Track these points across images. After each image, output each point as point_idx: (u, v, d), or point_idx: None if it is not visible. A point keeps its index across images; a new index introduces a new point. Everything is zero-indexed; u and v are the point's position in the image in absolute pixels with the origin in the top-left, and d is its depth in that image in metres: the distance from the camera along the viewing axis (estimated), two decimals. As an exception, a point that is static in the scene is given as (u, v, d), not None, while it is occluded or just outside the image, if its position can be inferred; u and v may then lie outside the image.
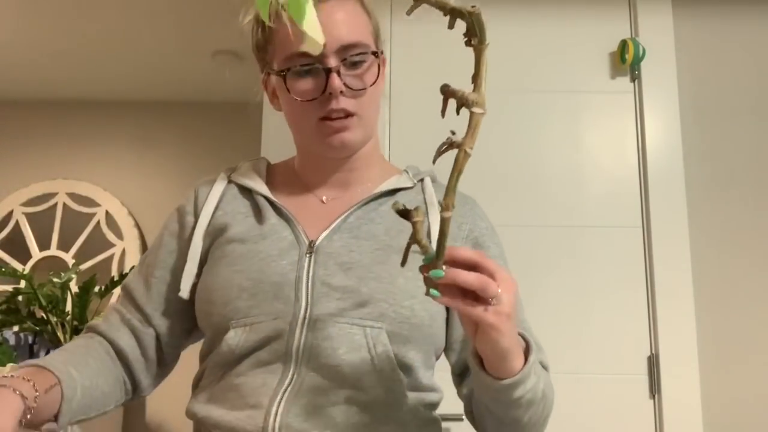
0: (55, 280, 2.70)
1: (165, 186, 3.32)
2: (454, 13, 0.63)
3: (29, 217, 3.29)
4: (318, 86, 0.87)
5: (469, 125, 0.66)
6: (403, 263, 0.69)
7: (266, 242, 0.90)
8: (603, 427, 1.68)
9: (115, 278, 2.77)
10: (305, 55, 0.85)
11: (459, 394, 0.96)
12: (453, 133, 0.68)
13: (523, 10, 1.92)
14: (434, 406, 0.93)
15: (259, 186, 0.96)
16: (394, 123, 1.81)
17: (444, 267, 0.66)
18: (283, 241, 0.90)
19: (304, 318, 0.84)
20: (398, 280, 0.86)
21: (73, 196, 3.32)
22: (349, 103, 0.88)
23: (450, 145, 0.66)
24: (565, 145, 1.83)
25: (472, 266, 0.67)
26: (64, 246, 3.26)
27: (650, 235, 1.76)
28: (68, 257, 3.23)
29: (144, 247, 3.27)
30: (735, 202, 1.79)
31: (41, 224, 3.28)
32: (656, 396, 1.69)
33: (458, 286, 0.66)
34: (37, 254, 3.26)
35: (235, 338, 0.84)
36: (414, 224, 0.67)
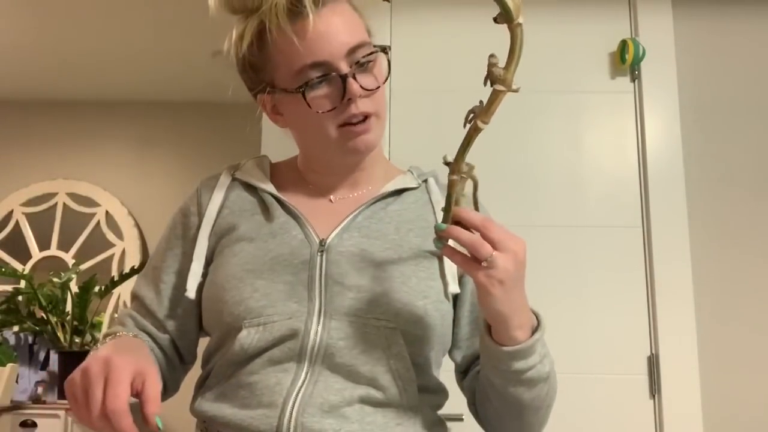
0: (55, 280, 2.71)
1: (165, 186, 3.32)
2: None
3: (29, 217, 3.30)
4: (335, 94, 0.86)
5: (488, 100, 0.68)
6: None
7: (276, 241, 0.89)
8: (603, 427, 1.68)
9: (115, 278, 2.77)
10: (316, 66, 0.84)
11: (461, 388, 0.96)
12: (481, 102, 0.73)
13: (523, 10, 1.91)
14: (440, 407, 0.93)
15: (265, 184, 0.95)
16: (394, 123, 1.81)
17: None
18: (294, 239, 0.89)
19: (319, 317, 0.83)
20: (411, 280, 0.86)
21: (73, 196, 3.32)
22: (366, 104, 0.87)
23: (472, 114, 0.72)
24: (565, 145, 1.83)
25: (475, 228, 0.74)
26: (64, 246, 3.26)
27: (650, 235, 1.76)
28: (68, 257, 3.23)
29: (144, 247, 3.27)
30: (735, 202, 1.79)
31: (41, 224, 3.28)
32: (656, 396, 1.69)
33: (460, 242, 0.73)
34: (37, 254, 3.26)
35: (248, 338, 0.83)
36: (451, 182, 0.76)
